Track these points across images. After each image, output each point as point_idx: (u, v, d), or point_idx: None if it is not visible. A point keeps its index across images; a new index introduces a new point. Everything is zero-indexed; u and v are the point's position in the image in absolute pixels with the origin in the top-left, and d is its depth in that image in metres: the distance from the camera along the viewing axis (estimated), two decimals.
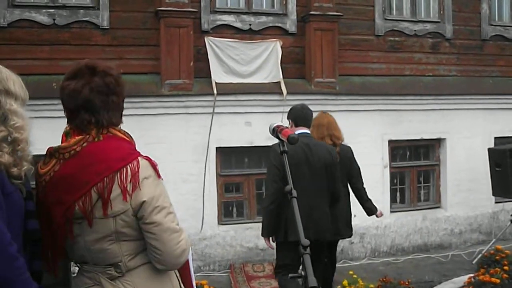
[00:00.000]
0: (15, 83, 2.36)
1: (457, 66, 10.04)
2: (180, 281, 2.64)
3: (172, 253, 2.36)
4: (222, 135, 8.43)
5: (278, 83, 8.62)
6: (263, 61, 8.64)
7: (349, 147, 6.15)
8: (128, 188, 2.28)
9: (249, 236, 8.46)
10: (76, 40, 7.96)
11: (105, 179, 2.28)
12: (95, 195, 2.28)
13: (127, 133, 2.51)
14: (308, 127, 5.38)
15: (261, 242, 6.73)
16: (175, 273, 2.60)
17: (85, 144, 2.36)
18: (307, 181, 5.06)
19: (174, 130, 8.23)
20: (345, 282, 6.97)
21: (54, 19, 7.89)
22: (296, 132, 5.05)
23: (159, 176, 2.41)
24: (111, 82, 2.43)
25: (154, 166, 2.40)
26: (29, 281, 2.13)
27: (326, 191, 5.16)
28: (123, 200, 2.28)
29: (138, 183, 2.30)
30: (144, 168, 2.35)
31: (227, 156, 8.70)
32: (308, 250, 2.29)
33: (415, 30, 9.74)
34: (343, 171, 5.77)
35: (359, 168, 6.23)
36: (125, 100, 2.56)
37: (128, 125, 2.60)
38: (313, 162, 5.11)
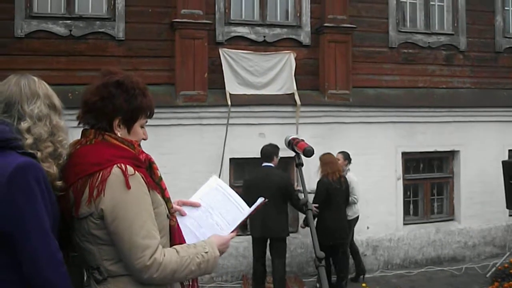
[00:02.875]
0: (56, 97, 2.44)
1: (471, 79, 10.02)
2: None
3: (133, 267, 2.30)
4: (235, 146, 8.46)
5: (292, 94, 8.65)
6: (277, 72, 8.69)
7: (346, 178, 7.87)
8: (94, 193, 2.30)
9: None
10: (92, 51, 8.05)
11: (79, 180, 2.33)
12: (71, 195, 2.35)
13: (125, 141, 2.47)
14: (269, 161, 7.29)
15: None
16: None
17: (78, 146, 2.45)
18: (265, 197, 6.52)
19: (188, 141, 8.27)
20: None
21: (70, 30, 7.99)
22: (262, 165, 7.29)
23: (128, 185, 2.31)
24: (111, 91, 2.45)
25: (125, 175, 2.32)
26: (70, 285, 2.24)
27: (281, 204, 7.14)
28: (87, 203, 2.31)
29: (103, 190, 2.30)
30: (114, 176, 2.32)
31: (240, 167, 8.72)
32: (323, 262, 2.29)
33: (429, 42, 9.74)
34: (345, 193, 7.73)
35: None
36: None
37: None
38: (270, 185, 6.97)
